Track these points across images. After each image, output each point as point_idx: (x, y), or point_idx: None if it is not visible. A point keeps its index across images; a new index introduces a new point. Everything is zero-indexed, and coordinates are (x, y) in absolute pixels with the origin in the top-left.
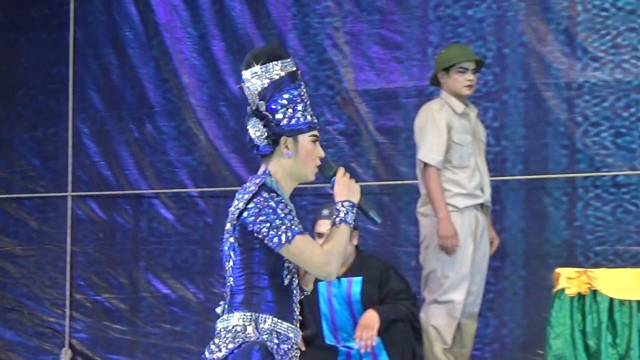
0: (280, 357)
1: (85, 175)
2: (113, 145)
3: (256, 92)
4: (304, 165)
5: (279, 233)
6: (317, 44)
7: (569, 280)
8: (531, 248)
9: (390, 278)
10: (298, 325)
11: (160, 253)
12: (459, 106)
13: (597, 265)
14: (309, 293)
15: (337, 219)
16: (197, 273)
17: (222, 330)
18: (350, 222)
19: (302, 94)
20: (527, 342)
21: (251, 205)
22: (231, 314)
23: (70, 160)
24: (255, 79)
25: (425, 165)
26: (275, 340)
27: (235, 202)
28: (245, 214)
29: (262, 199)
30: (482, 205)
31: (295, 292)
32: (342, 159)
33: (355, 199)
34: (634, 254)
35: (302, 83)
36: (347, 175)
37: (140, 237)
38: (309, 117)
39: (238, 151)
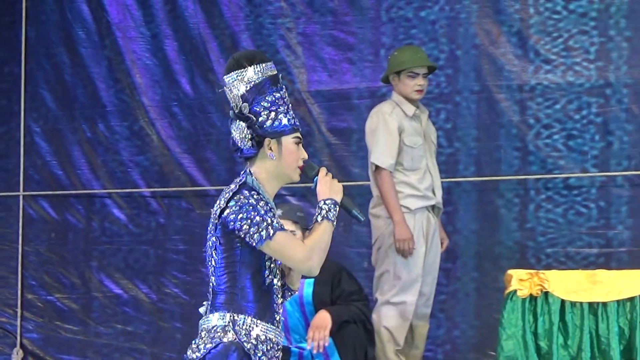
0: (257, 358)
1: (37, 174)
2: (65, 144)
3: (239, 95)
4: (287, 167)
5: (260, 230)
6: (269, 45)
7: (521, 282)
8: (483, 250)
9: (342, 279)
10: (281, 325)
11: (113, 253)
12: (410, 109)
13: (548, 267)
14: (296, 292)
15: (319, 217)
16: (149, 273)
17: (203, 330)
18: (333, 219)
19: (284, 96)
20: (479, 344)
21: (232, 203)
22: (212, 314)
23: (22, 160)
24: (237, 82)
25: (377, 168)
26: (254, 341)
27: (217, 202)
28: (226, 212)
29: (242, 197)
30: (433, 206)
31: (276, 292)
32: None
33: (338, 197)
34: (585, 256)
35: (284, 86)
36: (330, 174)
37: (92, 237)
38: (291, 120)
39: (190, 151)
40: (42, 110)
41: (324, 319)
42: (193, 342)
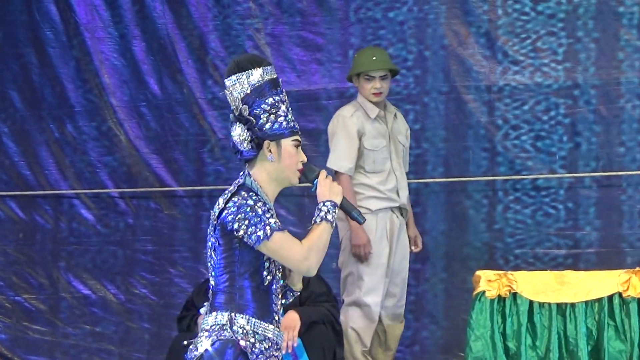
0: (255, 357)
1: (5, 175)
2: (33, 145)
3: (239, 97)
4: (287, 169)
5: (258, 230)
6: (238, 45)
7: (489, 282)
8: (452, 250)
9: (310, 281)
10: (278, 326)
11: (81, 253)
12: (373, 110)
13: (517, 267)
14: (298, 292)
15: (318, 218)
16: (117, 274)
17: (202, 330)
18: (332, 220)
19: (284, 99)
20: (448, 344)
21: (230, 204)
22: (211, 314)
23: None
24: (237, 85)
25: (337, 172)
26: (251, 340)
27: (217, 203)
28: (224, 213)
29: (240, 198)
30: (399, 207)
31: (275, 292)
32: None
33: (337, 199)
34: (554, 257)
35: (283, 90)
36: (330, 177)
37: (60, 238)
38: (291, 122)
39: (159, 152)
40: (10, 110)
41: (292, 320)
42: (195, 341)
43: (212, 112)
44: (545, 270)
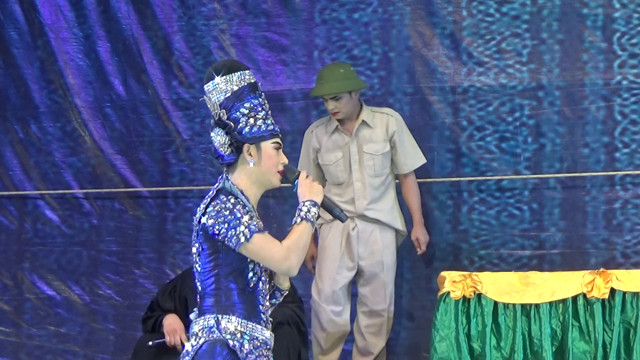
0: (244, 356)
1: None
2: None
3: (217, 102)
4: (267, 172)
5: (238, 232)
6: (203, 46)
7: (454, 283)
8: (416, 252)
9: None
10: (269, 326)
11: (45, 254)
12: (332, 125)
13: (481, 268)
14: (286, 292)
15: (299, 218)
16: (82, 275)
17: (192, 334)
18: (312, 219)
19: (263, 103)
20: (413, 345)
21: (210, 209)
22: (199, 318)
23: None
24: (216, 90)
25: None
26: (239, 339)
27: (198, 209)
28: (204, 217)
29: (219, 202)
30: (364, 216)
31: (262, 293)
32: None
33: (318, 198)
34: (518, 258)
35: (262, 93)
36: (310, 177)
37: (24, 239)
38: (270, 125)
39: (123, 152)
40: None
41: None
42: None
43: (177, 112)
44: (510, 271)
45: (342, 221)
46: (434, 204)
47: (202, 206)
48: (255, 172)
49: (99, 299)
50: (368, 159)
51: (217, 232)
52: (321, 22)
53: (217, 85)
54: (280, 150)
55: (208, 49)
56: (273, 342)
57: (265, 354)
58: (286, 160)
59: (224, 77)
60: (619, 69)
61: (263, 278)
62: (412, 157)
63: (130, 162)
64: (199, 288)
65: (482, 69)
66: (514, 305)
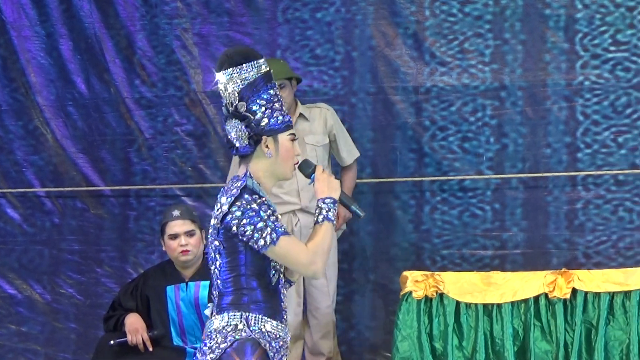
0: (273, 355)
1: None
2: None
3: (235, 93)
4: (284, 164)
5: (264, 235)
6: (165, 45)
7: (416, 283)
8: (379, 251)
9: None
10: (287, 324)
11: (7, 253)
12: None
13: (443, 268)
14: (295, 283)
15: (320, 217)
16: (43, 273)
17: (213, 331)
18: (333, 219)
19: (278, 93)
20: (375, 345)
21: (234, 208)
22: (220, 315)
23: None
24: (232, 80)
25: None
26: (267, 338)
27: (218, 205)
28: (228, 217)
29: (244, 202)
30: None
31: (282, 290)
32: (191, 160)
33: (336, 195)
34: (480, 258)
35: (276, 83)
36: (326, 172)
37: None
38: (286, 117)
39: (85, 151)
40: None
41: None
42: (203, 344)
43: (139, 111)
44: (472, 271)
45: (359, 217)
46: (397, 204)
47: (226, 205)
48: (272, 164)
49: (60, 297)
50: (310, 150)
51: (242, 232)
52: (284, 22)
53: (231, 75)
54: (296, 142)
55: (171, 48)
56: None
57: (285, 353)
58: (300, 152)
59: (239, 66)
60: (581, 70)
61: (282, 275)
62: (351, 148)
63: (93, 161)
64: (219, 286)
65: (444, 69)
66: (476, 305)
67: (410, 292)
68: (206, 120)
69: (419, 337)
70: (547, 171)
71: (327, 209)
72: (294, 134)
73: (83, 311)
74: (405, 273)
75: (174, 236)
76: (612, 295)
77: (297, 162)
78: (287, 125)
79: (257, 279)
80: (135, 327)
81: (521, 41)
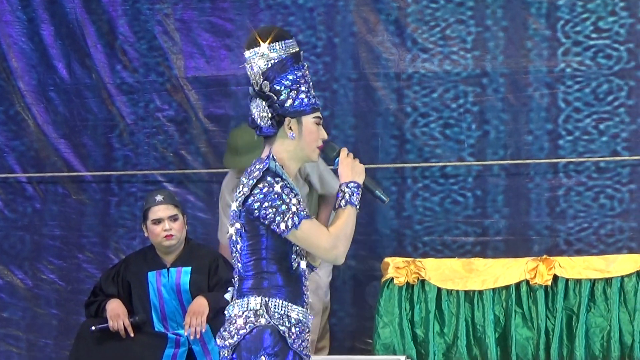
0: (292, 341)
1: None
2: None
3: (260, 72)
4: (307, 147)
5: (286, 218)
6: (147, 31)
7: (398, 270)
8: (360, 237)
9: (219, 267)
10: (308, 308)
11: None
12: None
13: (425, 255)
14: (317, 268)
15: (343, 201)
16: (25, 259)
17: (234, 316)
18: (356, 203)
19: (306, 75)
20: (356, 331)
21: (256, 190)
22: (241, 300)
23: None
24: (258, 59)
25: None
26: (287, 324)
27: (240, 187)
28: (250, 199)
29: (266, 184)
30: None
31: (304, 274)
32: (172, 145)
33: (360, 179)
34: (462, 244)
35: (305, 64)
36: (351, 155)
37: None
38: (312, 99)
39: (67, 137)
40: None
41: (200, 305)
42: (222, 328)
43: (121, 97)
44: (454, 257)
45: (383, 202)
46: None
47: (247, 187)
48: (295, 146)
49: (41, 283)
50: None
51: (264, 215)
52: (266, 7)
53: (260, 54)
54: (321, 126)
55: (152, 34)
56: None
57: (307, 337)
58: (326, 136)
59: (268, 45)
60: (563, 57)
61: (304, 258)
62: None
63: (74, 147)
64: (240, 269)
65: (426, 56)
66: (457, 291)
67: (392, 279)
68: (188, 106)
69: (400, 324)
70: (528, 158)
71: (350, 193)
72: (319, 117)
73: (64, 297)
74: (387, 259)
75: (158, 221)
76: (593, 282)
77: (321, 145)
78: (313, 108)
79: (278, 263)
80: (116, 312)
81: (503, 28)
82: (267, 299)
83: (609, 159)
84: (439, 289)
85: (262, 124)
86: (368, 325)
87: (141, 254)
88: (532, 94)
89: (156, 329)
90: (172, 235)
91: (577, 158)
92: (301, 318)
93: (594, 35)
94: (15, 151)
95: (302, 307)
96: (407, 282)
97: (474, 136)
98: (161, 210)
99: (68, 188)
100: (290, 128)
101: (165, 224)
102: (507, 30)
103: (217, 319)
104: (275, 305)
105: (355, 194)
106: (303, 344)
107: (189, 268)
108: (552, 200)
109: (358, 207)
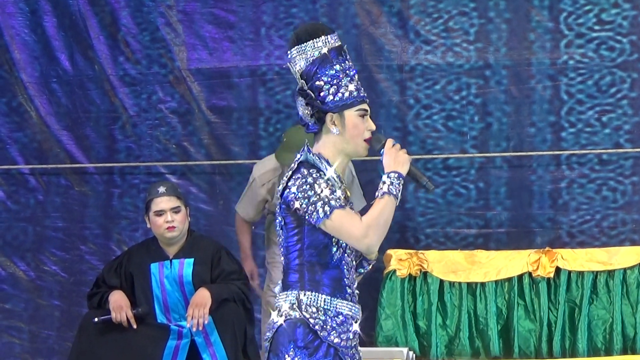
0: (327, 333)
1: None
2: None
3: (299, 71)
4: (352, 141)
5: (317, 208)
6: (150, 22)
7: (400, 261)
8: None
9: (221, 259)
10: (356, 299)
11: None
12: None
13: (427, 247)
14: (374, 262)
15: (381, 191)
16: (27, 250)
17: (276, 308)
18: (395, 193)
19: (346, 68)
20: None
21: (290, 182)
22: (283, 293)
23: None
24: (298, 57)
25: None
26: (322, 317)
27: (281, 181)
28: (286, 192)
29: (300, 176)
30: None
31: (347, 266)
32: (175, 137)
33: (403, 169)
34: (464, 236)
35: (347, 58)
36: (397, 146)
37: None
38: (354, 92)
39: (69, 128)
40: None
41: (203, 297)
42: (270, 319)
43: (124, 88)
44: (456, 249)
45: (428, 191)
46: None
47: (284, 179)
48: (340, 141)
49: (44, 275)
50: None
51: (299, 206)
52: None
53: (298, 53)
54: (367, 117)
55: (155, 25)
56: (360, 315)
57: (350, 329)
58: (373, 127)
59: (304, 44)
60: (566, 49)
61: (348, 251)
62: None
63: (77, 138)
64: (283, 262)
65: (429, 48)
66: (459, 283)
67: (394, 271)
68: (190, 97)
69: (402, 316)
70: (531, 150)
71: (389, 183)
72: (363, 109)
73: (67, 288)
74: (389, 251)
75: (160, 212)
76: (596, 274)
77: (369, 138)
78: (354, 101)
79: (317, 256)
80: (119, 304)
81: (506, 20)
82: (303, 292)
83: (611, 151)
84: (442, 281)
85: (307, 121)
86: (370, 317)
87: (144, 245)
88: (535, 86)
89: (159, 321)
90: (174, 227)
91: (580, 150)
92: (342, 310)
93: (596, 28)
94: (18, 143)
95: (345, 299)
96: (410, 274)
97: (476, 128)
98: (164, 202)
99: (71, 180)
100: (334, 123)
101: (167, 215)
102: (509, 22)
103: (219, 311)
104: (310, 298)
105: (394, 184)
106: (343, 336)
107: (192, 260)
108: (554, 192)
109: (398, 197)
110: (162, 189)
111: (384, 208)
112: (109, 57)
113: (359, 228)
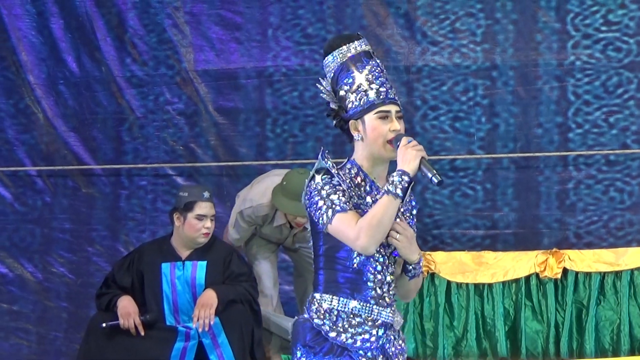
0: (337, 334)
1: None
2: None
3: (324, 90)
4: (373, 144)
5: (322, 213)
6: (157, 24)
7: None
8: None
9: (232, 261)
10: (385, 302)
11: None
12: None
13: (435, 248)
14: (416, 262)
15: (382, 191)
16: (35, 252)
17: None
18: (395, 192)
19: (371, 71)
20: None
21: (306, 189)
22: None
23: None
24: (325, 72)
25: None
26: (330, 318)
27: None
28: (304, 199)
29: (312, 183)
30: None
31: (372, 270)
32: (182, 139)
33: (409, 166)
34: (472, 237)
35: (369, 61)
36: (411, 143)
37: None
38: (372, 96)
39: (77, 130)
40: None
41: (209, 298)
42: None
43: (131, 90)
44: (463, 250)
45: (434, 184)
46: None
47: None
48: (365, 146)
49: (51, 276)
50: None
51: (312, 213)
52: (275, 1)
53: (324, 66)
54: (391, 118)
55: (162, 27)
56: (400, 319)
57: (370, 330)
58: (397, 127)
59: (325, 60)
60: (573, 50)
61: (376, 256)
62: None
63: (84, 140)
64: (313, 265)
65: (436, 49)
66: (467, 284)
67: None
68: (197, 99)
69: (409, 317)
70: (538, 151)
71: (390, 181)
72: (382, 111)
73: (74, 290)
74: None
75: (202, 217)
76: (603, 275)
77: (391, 139)
78: (371, 105)
79: (334, 259)
80: (127, 311)
81: (513, 21)
82: (319, 294)
83: (618, 152)
84: (449, 282)
85: (342, 131)
86: None
87: (155, 244)
88: (542, 87)
89: (167, 322)
90: (209, 234)
91: (587, 151)
92: (360, 313)
93: (603, 28)
94: (25, 144)
95: (364, 301)
96: None
97: (483, 129)
98: (208, 208)
99: (78, 181)
100: (357, 130)
101: (207, 221)
102: (516, 23)
103: (226, 312)
104: (323, 299)
105: (395, 182)
106: (357, 337)
107: (205, 262)
108: (561, 193)
109: (398, 194)
110: (207, 194)
111: (378, 208)
112: (116, 59)
113: (352, 231)
